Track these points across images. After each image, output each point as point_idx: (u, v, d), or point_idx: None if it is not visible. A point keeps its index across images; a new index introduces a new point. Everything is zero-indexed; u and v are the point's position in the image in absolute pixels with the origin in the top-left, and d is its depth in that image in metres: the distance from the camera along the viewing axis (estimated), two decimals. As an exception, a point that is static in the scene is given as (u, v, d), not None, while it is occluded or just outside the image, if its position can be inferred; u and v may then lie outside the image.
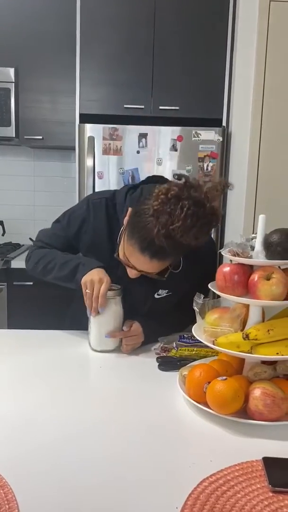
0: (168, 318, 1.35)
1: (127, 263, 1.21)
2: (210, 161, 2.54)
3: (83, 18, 2.60)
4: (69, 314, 1.55)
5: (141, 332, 1.29)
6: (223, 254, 1.03)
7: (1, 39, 2.66)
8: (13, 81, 2.67)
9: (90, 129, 2.53)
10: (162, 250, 1.12)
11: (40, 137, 2.71)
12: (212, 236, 2.55)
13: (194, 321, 1.12)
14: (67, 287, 1.34)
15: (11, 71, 2.65)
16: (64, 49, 2.66)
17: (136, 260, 1.18)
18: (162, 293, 1.33)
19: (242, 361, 1.06)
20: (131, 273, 1.24)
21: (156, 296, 1.33)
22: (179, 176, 1.11)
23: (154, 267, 1.19)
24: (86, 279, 1.24)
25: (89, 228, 1.35)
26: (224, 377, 0.94)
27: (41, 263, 1.37)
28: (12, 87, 2.67)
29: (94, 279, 1.23)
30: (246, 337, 0.96)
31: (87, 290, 1.23)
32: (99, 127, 2.52)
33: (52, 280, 1.36)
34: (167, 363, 1.20)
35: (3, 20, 2.65)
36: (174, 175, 1.14)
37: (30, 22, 2.66)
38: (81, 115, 2.63)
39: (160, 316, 1.34)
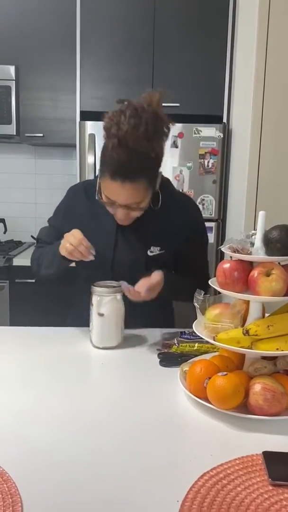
0: (180, 278, 1.37)
1: (108, 201, 1.26)
2: (211, 158, 2.55)
3: (83, 15, 2.60)
4: (70, 311, 1.56)
5: (161, 277, 1.26)
6: (223, 250, 1.04)
7: (1, 37, 2.66)
8: (14, 79, 2.67)
9: (90, 126, 2.54)
10: (128, 168, 1.17)
11: (41, 135, 2.72)
12: (213, 232, 2.59)
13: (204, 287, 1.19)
14: (66, 285, 1.37)
15: (12, 69, 2.66)
16: (65, 46, 2.66)
17: (112, 192, 1.23)
18: (155, 250, 1.36)
19: (242, 356, 1.07)
20: (120, 215, 1.28)
21: (149, 253, 1.36)
22: (120, 100, 1.20)
23: (130, 193, 1.21)
24: (62, 245, 1.25)
25: (72, 213, 1.42)
26: (225, 373, 0.95)
27: (40, 260, 1.43)
28: (13, 85, 2.67)
29: (67, 239, 1.25)
30: (246, 333, 0.97)
31: (70, 251, 1.22)
32: (100, 124, 2.48)
33: (48, 272, 1.39)
34: (168, 359, 1.21)
35: (4, 18, 2.65)
36: (116, 101, 1.22)
37: (30, 20, 2.66)
38: (81, 113, 2.63)
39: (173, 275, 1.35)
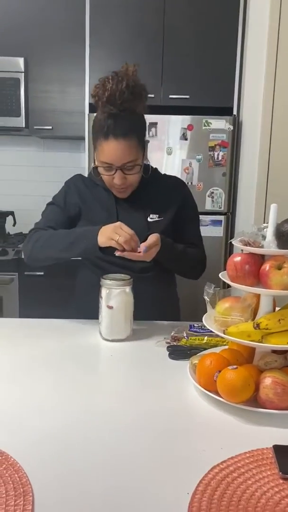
0: (178, 245, 1.46)
1: (105, 167, 1.36)
2: (220, 150, 2.53)
3: (92, 7, 2.58)
4: (74, 304, 1.57)
5: (157, 238, 1.33)
6: (234, 244, 1.03)
7: (10, 29, 2.65)
8: (23, 71, 2.66)
9: (99, 118, 2.52)
10: (119, 125, 1.30)
11: (50, 127, 2.72)
12: (222, 225, 2.57)
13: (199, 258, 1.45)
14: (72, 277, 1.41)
15: (21, 61, 2.65)
16: (74, 38, 2.65)
17: (109, 153, 1.33)
18: (154, 217, 1.46)
19: (252, 350, 1.06)
20: (118, 180, 1.36)
21: (149, 219, 1.46)
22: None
23: (125, 150, 1.32)
24: (106, 235, 1.29)
25: (74, 197, 1.49)
26: (235, 366, 0.95)
27: (41, 241, 1.42)
28: (22, 77, 2.67)
29: (115, 227, 1.28)
30: (257, 326, 0.97)
31: (115, 239, 1.26)
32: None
33: (62, 255, 1.39)
34: (178, 352, 1.21)
35: (13, 10, 2.64)
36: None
37: (39, 12, 2.64)
38: (90, 105, 2.62)
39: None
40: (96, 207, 1.47)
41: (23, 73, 2.66)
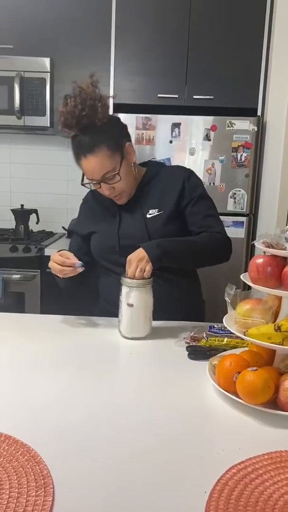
0: (185, 239, 1.46)
1: (92, 183, 1.42)
2: (244, 151, 2.51)
3: (119, 7, 2.60)
4: (99, 304, 1.59)
5: (143, 251, 1.31)
6: (256, 245, 1.03)
7: (37, 29, 2.69)
8: (49, 71, 2.70)
9: (123, 118, 2.48)
10: (83, 144, 1.35)
11: (74, 127, 2.74)
12: (244, 227, 2.55)
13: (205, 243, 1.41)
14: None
15: (47, 61, 2.68)
16: (99, 39, 2.67)
17: (86, 171, 1.40)
18: (153, 212, 1.47)
19: (273, 352, 1.06)
20: (106, 191, 1.42)
21: (148, 216, 1.47)
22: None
23: (97, 164, 1.36)
24: (51, 266, 1.40)
25: (85, 218, 1.58)
26: (255, 368, 0.95)
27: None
28: (48, 77, 2.70)
29: (50, 265, 1.39)
30: (278, 329, 0.96)
31: (60, 275, 1.38)
32: (132, 116, 2.52)
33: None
34: (197, 352, 1.21)
35: (40, 11, 2.68)
36: None
37: (66, 13, 2.67)
38: (114, 105, 2.64)
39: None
40: (102, 214, 1.53)
41: (49, 73, 2.70)
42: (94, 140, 1.34)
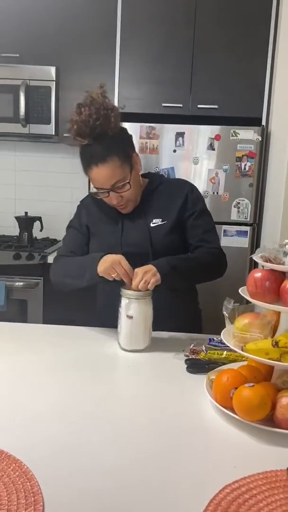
0: (186, 256, 1.49)
1: (100, 192, 1.42)
2: (248, 161, 2.51)
3: (124, 16, 2.62)
4: (96, 315, 1.59)
5: (152, 266, 1.32)
6: (254, 259, 1.03)
7: (43, 38, 2.71)
8: (54, 79, 2.71)
9: (128, 127, 2.53)
10: (95, 152, 1.36)
11: (79, 135, 2.75)
12: (248, 236, 2.54)
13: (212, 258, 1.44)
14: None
15: (52, 69, 2.70)
16: (104, 48, 2.68)
17: (95, 180, 1.40)
18: (157, 221, 1.49)
19: (271, 368, 1.05)
20: (114, 201, 1.42)
21: (151, 225, 1.49)
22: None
23: (108, 172, 1.37)
24: (103, 266, 1.32)
25: (85, 216, 1.56)
26: (252, 384, 0.94)
27: (61, 270, 1.51)
28: (53, 86, 2.72)
29: (110, 263, 1.31)
30: (276, 344, 0.95)
31: (112, 275, 1.30)
32: (136, 125, 2.53)
33: (75, 282, 1.44)
34: (196, 366, 1.20)
35: (46, 20, 2.70)
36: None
37: (71, 22, 2.69)
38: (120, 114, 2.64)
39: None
40: (103, 219, 1.52)
41: (54, 82, 2.72)
42: (106, 150, 1.35)
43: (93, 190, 1.46)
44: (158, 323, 1.37)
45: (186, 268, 1.40)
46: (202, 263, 1.44)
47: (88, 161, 1.38)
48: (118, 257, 1.32)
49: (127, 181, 1.40)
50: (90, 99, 1.35)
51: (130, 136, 1.48)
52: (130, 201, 1.46)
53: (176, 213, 1.49)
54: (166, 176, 2.48)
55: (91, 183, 1.44)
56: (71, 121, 1.35)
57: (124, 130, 1.46)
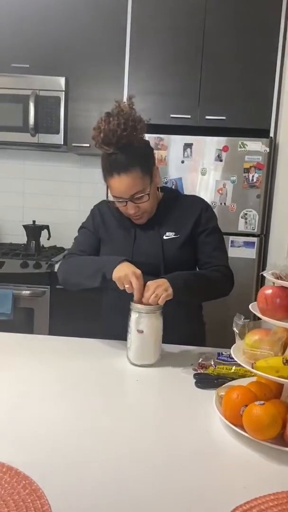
0: (195, 273, 1.50)
1: (117, 201, 1.43)
2: (255, 172, 2.51)
3: (133, 28, 2.64)
4: (100, 325, 1.60)
5: (165, 281, 1.32)
6: (265, 276, 1.02)
7: (53, 49, 2.74)
8: (63, 90, 2.74)
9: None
10: (119, 161, 1.36)
11: (87, 145, 2.77)
12: (255, 247, 2.54)
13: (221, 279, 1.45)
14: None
15: (62, 80, 2.73)
16: (113, 59, 2.71)
17: (116, 188, 1.40)
18: (170, 234, 1.50)
19: (281, 385, 1.04)
20: (131, 210, 1.43)
21: (164, 237, 1.50)
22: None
23: (129, 182, 1.38)
24: (119, 274, 1.32)
25: (98, 219, 1.56)
26: (262, 402, 0.93)
27: (72, 267, 1.50)
28: (62, 96, 2.74)
29: (127, 273, 1.30)
30: (287, 362, 0.95)
31: (126, 285, 1.30)
32: (147, 136, 2.53)
33: (81, 281, 1.45)
34: (205, 381, 1.20)
35: (56, 31, 2.73)
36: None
37: (81, 33, 2.72)
38: (127, 124, 2.66)
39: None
40: (116, 226, 1.53)
41: (63, 92, 2.74)
42: (130, 160, 1.37)
43: (110, 198, 1.47)
44: (162, 335, 1.36)
45: (197, 285, 1.40)
46: (212, 281, 1.45)
47: (110, 170, 1.39)
48: (135, 272, 1.31)
49: (147, 192, 1.41)
50: (118, 109, 1.37)
51: (153, 150, 1.50)
52: (146, 212, 1.47)
53: (190, 228, 1.50)
54: (174, 187, 2.49)
55: (109, 190, 1.45)
56: (98, 128, 1.36)
57: (148, 142, 1.47)
